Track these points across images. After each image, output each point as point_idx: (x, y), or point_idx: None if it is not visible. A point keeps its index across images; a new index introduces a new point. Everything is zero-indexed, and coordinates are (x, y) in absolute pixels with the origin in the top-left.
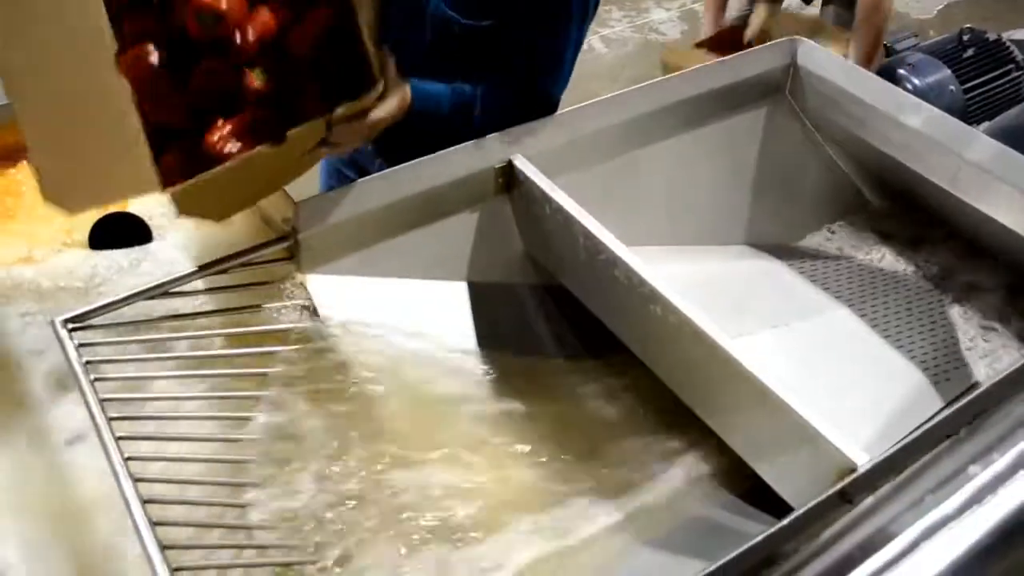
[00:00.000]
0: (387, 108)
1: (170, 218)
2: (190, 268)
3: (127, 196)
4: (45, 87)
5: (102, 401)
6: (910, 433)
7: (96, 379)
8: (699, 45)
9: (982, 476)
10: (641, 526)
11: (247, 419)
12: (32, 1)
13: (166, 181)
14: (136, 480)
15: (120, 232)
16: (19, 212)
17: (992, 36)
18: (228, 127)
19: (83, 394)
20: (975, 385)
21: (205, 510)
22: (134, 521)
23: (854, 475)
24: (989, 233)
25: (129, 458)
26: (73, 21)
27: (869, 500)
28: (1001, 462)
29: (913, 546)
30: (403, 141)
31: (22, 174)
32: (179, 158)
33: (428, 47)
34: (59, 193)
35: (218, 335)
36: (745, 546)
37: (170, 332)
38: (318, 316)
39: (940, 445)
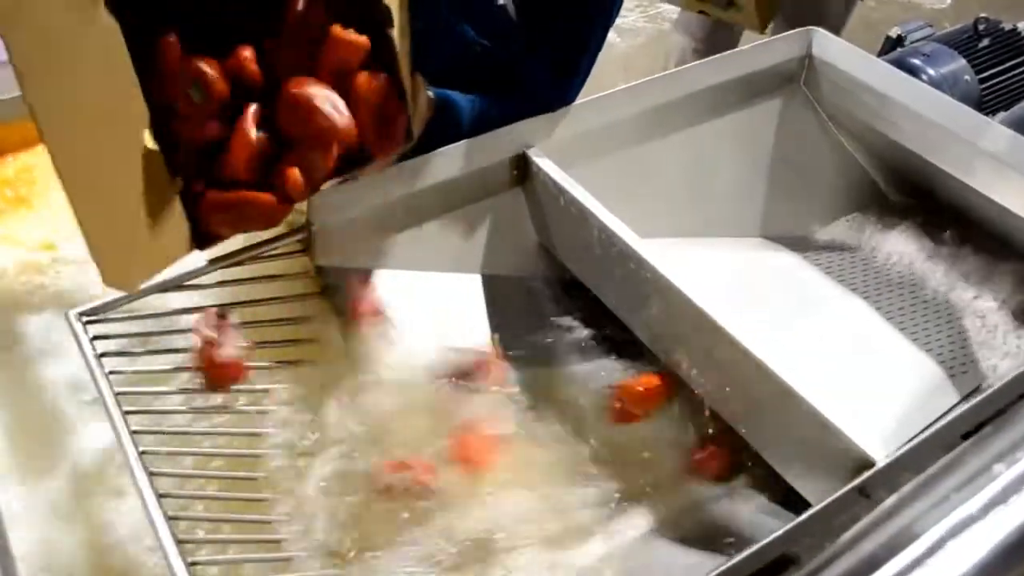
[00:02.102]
0: (415, 135)
1: None
2: (204, 261)
3: (170, 263)
4: (94, 175)
5: (116, 395)
6: (927, 427)
7: (111, 372)
8: None
9: (1007, 475)
10: (657, 521)
11: (263, 412)
12: (70, 83)
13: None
14: (151, 474)
15: None
16: (34, 198)
17: (1008, 26)
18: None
19: (97, 387)
20: (991, 378)
21: (221, 505)
22: (149, 515)
23: (872, 471)
24: (1005, 224)
25: (144, 452)
26: (106, 97)
27: (892, 499)
28: None
29: (938, 546)
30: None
31: (35, 160)
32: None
33: (446, 66)
34: (117, 275)
35: (233, 328)
36: (762, 542)
37: (185, 325)
38: (332, 308)
39: (964, 443)
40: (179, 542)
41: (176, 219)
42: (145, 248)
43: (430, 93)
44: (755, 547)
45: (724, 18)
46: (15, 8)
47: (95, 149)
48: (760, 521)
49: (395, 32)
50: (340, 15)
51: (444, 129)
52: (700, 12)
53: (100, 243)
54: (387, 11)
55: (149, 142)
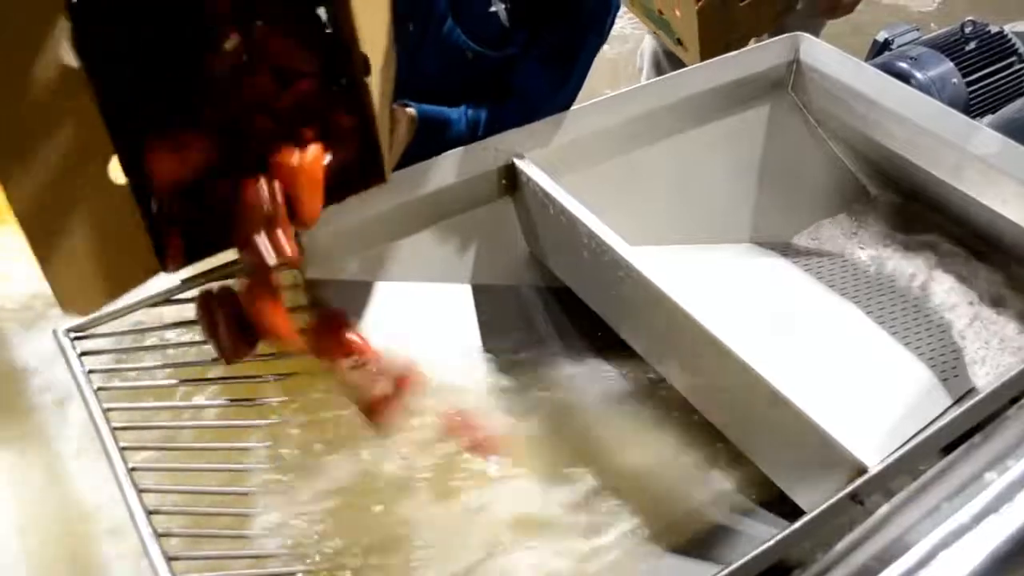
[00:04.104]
0: (393, 160)
1: None
2: (192, 275)
3: (133, 287)
4: (53, 209)
5: (105, 411)
6: (918, 433)
7: (99, 388)
8: None
9: (998, 483)
10: (651, 529)
11: (253, 426)
12: (27, 110)
13: (170, 265)
14: (140, 491)
15: None
16: None
17: (994, 28)
18: None
19: (86, 404)
20: (983, 382)
21: (211, 521)
22: (139, 533)
23: (865, 477)
24: (993, 226)
25: (133, 469)
26: (70, 126)
27: (884, 508)
28: (1016, 468)
29: (930, 556)
30: (404, 162)
31: None
32: (180, 243)
33: (438, 71)
34: (74, 300)
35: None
36: (757, 550)
37: (174, 340)
38: None
39: (955, 450)
40: (169, 559)
41: (140, 245)
42: (103, 274)
43: (412, 111)
44: (749, 555)
45: (672, 50)
46: None
47: (54, 185)
48: (753, 529)
49: (372, 79)
50: (314, 59)
51: (431, 146)
52: (655, 34)
53: (55, 269)
54: (363, 60)
55: (116, 176)
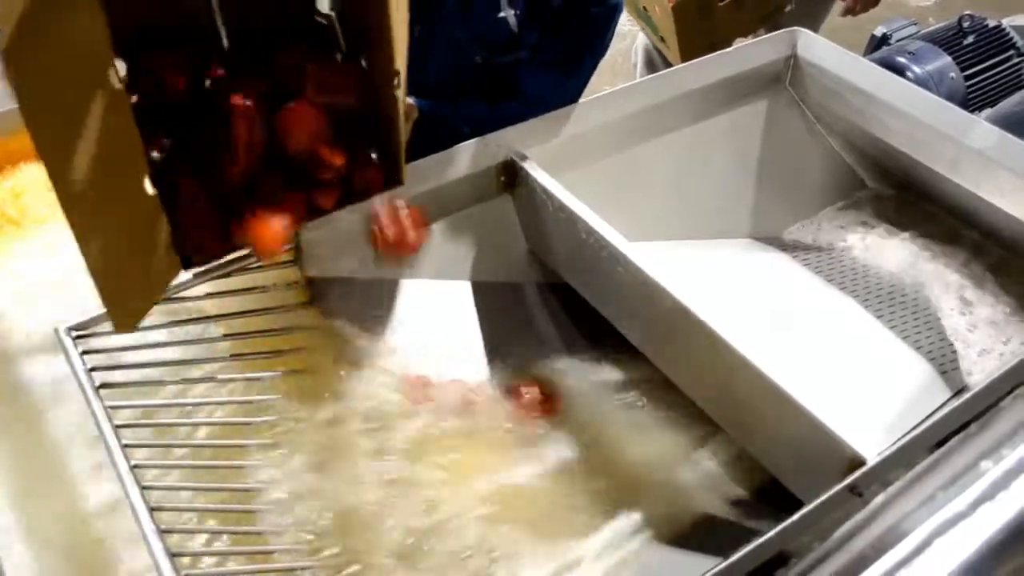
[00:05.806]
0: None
1: None
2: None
3: (161, 290)
4: (104, 233)
5: (107, 409)
6: (917, 425)
7: (101, 386)
8: None
9: (993, 471)
10: (651, 523)
11: (253, 423)
12: (79, 143)
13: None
14: (144, 488)
15: None
16: (24, 217)
17: (992, 22)
18: None
19: (88, 402)
20: (981, 375)
21: (213, 516)
22: (142, 529)
23: (863, 469)
24: (991, 219)
25: (136, 466)
26: (110, 142)
27: (880, 497)
28: (1012, 457)
29: (925, 544)
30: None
31: (22, 180)
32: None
33: (444, 72)
34: (124, 315)
35: (222, 340)
36: (756, 542)
37: (175, 338)
38: (322, 318)
39: (950, 440)
40: (172, 555)
41: (167, 250)
42: (139, 286)
43: (412, 101)
44: (750, 546)
45: (657, 45)
46: (28, 72)
47: (103, 204)
48: (752, 521)
49: (400, 93)
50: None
51: (433, 143)
52: (644, 30)
53: (110, 289)
54: (397, 74)
55: (148, 188)
